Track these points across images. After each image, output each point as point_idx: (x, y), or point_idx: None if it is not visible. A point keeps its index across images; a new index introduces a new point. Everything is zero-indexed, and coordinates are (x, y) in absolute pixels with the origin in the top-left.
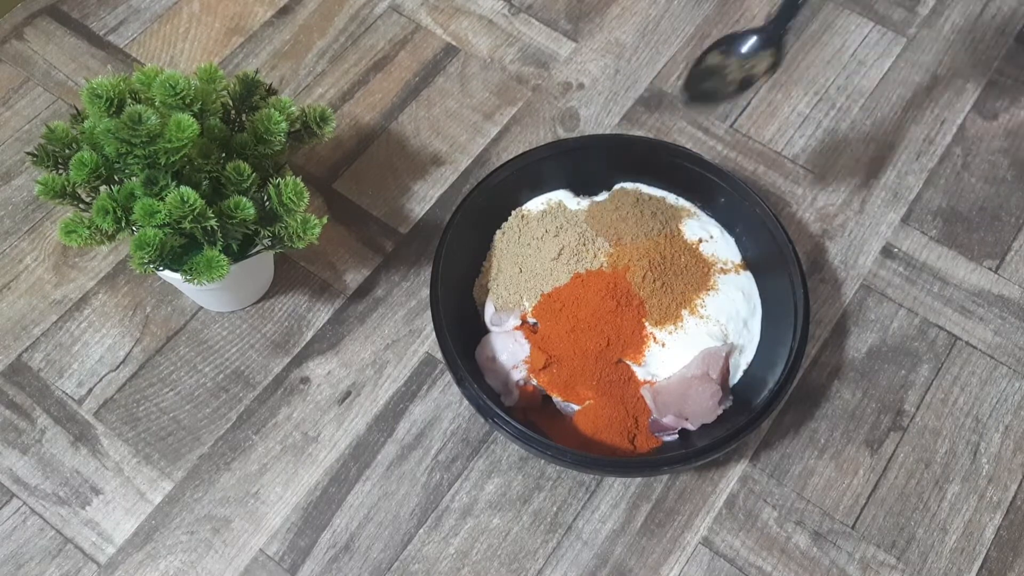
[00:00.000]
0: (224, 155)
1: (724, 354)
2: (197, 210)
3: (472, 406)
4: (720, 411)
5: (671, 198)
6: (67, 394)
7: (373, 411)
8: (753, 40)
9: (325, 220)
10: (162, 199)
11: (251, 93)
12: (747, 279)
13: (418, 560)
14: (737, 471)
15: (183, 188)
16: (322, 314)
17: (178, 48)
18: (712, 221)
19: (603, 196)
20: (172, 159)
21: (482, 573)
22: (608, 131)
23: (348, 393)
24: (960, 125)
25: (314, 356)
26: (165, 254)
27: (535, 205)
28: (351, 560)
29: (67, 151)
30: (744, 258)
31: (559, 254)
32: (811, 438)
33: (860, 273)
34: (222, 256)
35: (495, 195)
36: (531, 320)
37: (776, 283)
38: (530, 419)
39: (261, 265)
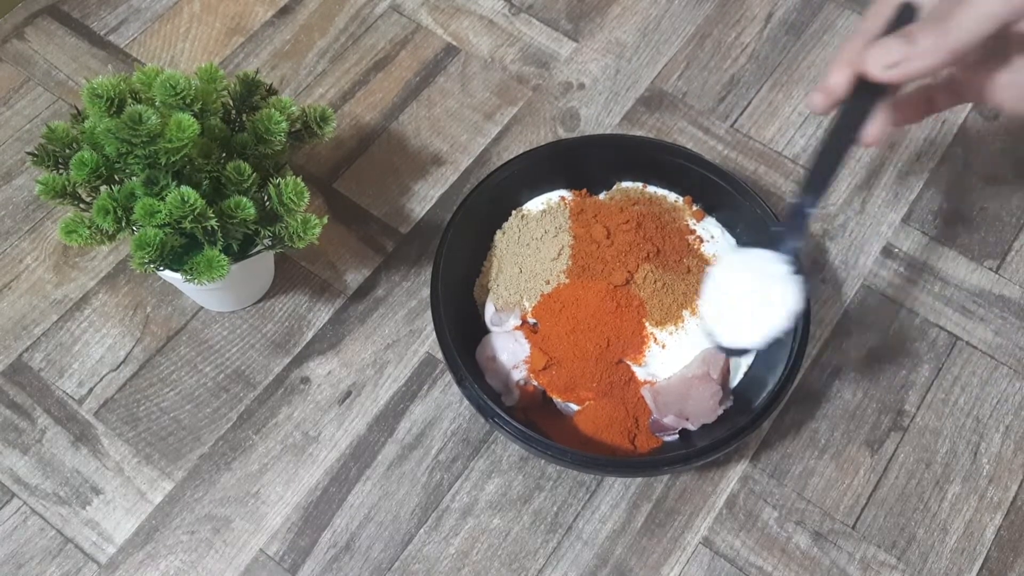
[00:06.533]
0: (224, 155)
1: (725, 354)
2: (197, 210)
3: (472, 406)
4: (720, 411)
5: (671, 198)
6: (67, 394)
7: (373, 411)
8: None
9: (325, 220)
10: (162, 199)
11: (251, 93)
12: None
13: (418, 560)
14: (737, 471)
15: (183, 188)
16: (322, 314)
17: (178, 48)
18: (713, 221)
19: (603, 196)
20: (172, 159)
21: (482, 573)
22: (609, 131)
23: (348, 393)
24: (961, 125)
25: (314, 356)
26: (165, 254)
27: (535, 205)
28: (351, 560)
29: (67, 151)
30: None
31: (559, 254)
32: (811, 438)
33: (861, 273)
34: (222, 256)
35: (495, 195)
36: (531, 320)
37: None
38: (530, 419)
39: (261, 265)
